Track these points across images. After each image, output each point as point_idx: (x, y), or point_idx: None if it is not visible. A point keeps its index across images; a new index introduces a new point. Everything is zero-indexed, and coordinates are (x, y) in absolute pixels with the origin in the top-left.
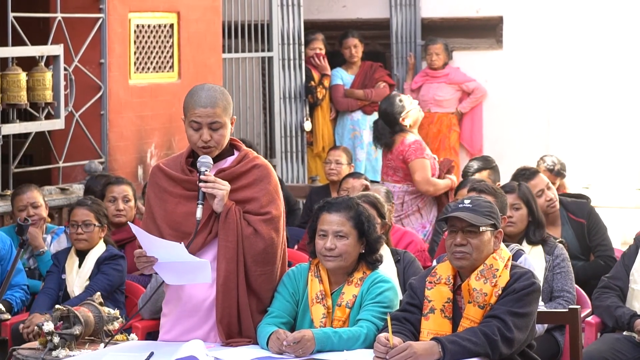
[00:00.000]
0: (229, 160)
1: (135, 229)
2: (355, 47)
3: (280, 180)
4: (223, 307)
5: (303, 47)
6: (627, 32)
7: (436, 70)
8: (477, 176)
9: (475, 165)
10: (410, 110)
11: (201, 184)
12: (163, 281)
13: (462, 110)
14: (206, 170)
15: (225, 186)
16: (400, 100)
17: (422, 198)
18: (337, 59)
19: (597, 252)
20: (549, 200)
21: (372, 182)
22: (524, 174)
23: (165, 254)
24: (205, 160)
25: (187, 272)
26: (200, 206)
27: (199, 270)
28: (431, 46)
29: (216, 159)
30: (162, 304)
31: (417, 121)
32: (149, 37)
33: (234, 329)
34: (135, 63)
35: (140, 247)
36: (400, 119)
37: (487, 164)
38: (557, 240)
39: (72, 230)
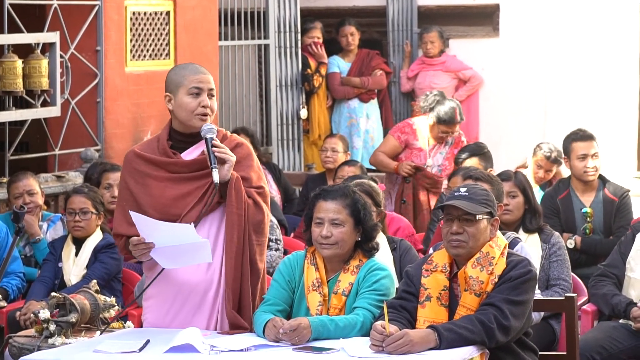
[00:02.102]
0: None
1: (136, 216)
2: (351, 35)
3: (280, 170)
4: (235, 272)
5: (299, 35)
6: (624, 19)
7: (432, 58)
8: (468, 163)
9: (466, 152)
10: (427, 116)
11: (214, 149)
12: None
13: (459, 98)
14: (212, 137)
15: (233, 155)
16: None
17: (390, 182)
18: (333, 46)
19: (619, 232)
20: (591, 168)
21: (368, 170)
22: (577, 134)
23: (166, 238)
24: (210, 127)
25: (185, 254)
26: (215, 169)
27: (198, 251)
28: (425, 34)
29: (197, 139)
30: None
31: (429, 128)
32: (145, 24)
33: (237, 297)
34: (131, 50)
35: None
36: (415, 101)
37: (479, 150)
38: (583, 210)
39: (70, 218)
